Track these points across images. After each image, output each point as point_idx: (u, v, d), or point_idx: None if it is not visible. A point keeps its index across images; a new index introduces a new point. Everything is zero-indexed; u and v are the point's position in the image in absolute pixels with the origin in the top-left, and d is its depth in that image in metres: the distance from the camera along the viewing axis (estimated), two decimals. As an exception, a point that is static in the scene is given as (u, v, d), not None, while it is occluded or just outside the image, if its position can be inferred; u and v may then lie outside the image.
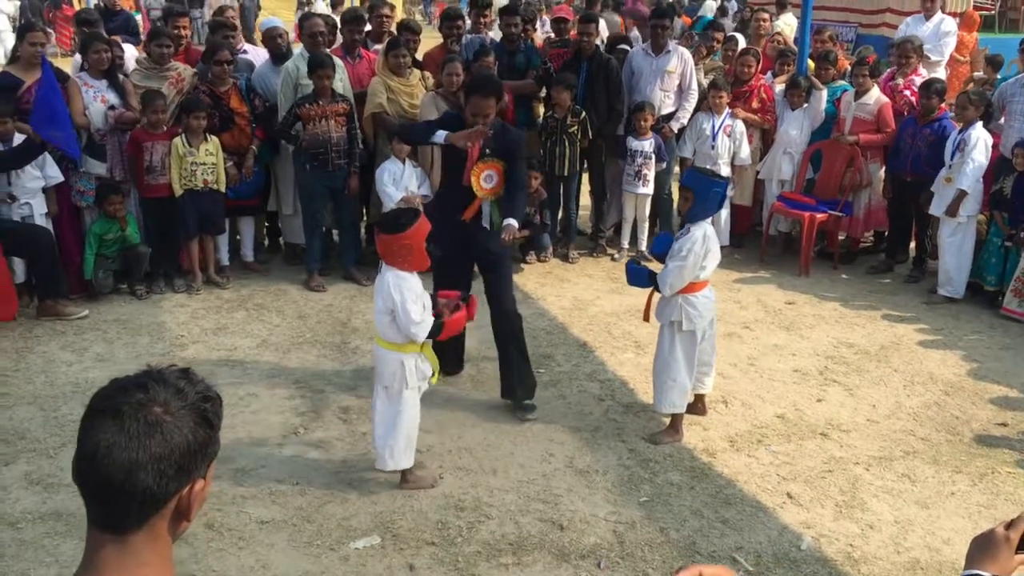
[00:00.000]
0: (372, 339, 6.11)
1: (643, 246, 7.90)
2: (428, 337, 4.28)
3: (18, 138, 6.11)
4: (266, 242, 8.04)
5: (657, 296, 4.85)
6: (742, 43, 9.14)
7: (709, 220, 4.79)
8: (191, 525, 1.40)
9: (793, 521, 4.24)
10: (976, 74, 10.95)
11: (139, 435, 1.28)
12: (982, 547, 1.69)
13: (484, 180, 5.04)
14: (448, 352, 5.37)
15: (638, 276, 4.90)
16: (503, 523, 4.17)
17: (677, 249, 4.67)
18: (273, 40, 7.49)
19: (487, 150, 5.03)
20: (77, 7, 18.52)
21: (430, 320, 4.24)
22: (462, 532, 4.10)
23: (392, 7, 8.47)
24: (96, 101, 6.57)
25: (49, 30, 17.92)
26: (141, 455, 1.28)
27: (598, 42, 8.18)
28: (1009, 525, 1.69)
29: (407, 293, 4.14)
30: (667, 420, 5.00)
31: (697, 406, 5.17)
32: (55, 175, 6.31)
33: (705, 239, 4.65)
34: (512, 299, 5.24)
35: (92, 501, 1.32)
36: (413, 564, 3.88)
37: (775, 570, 3.89)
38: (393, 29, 8.12)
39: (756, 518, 4.26)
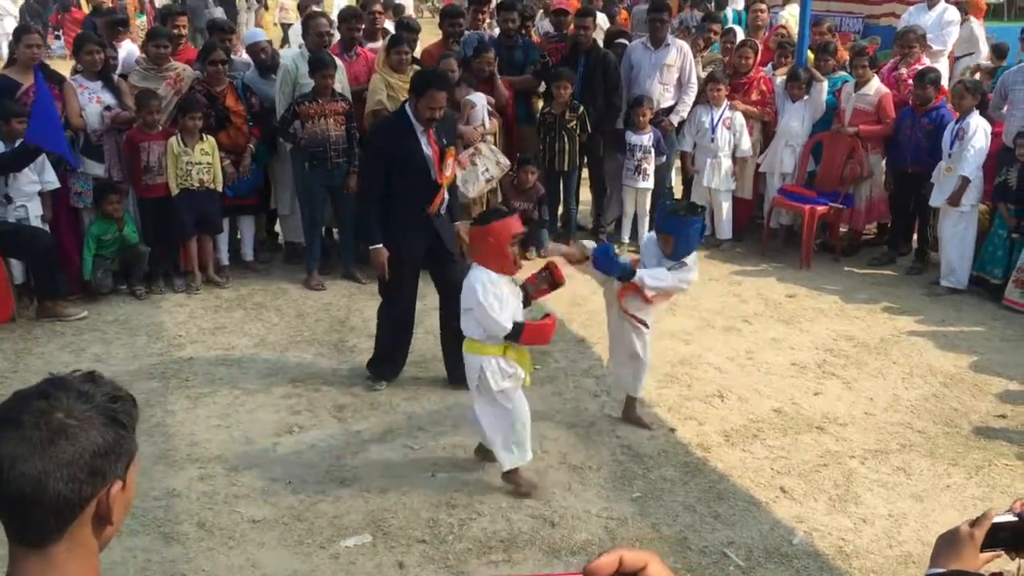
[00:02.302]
0: (369, 337, 6.15)
1: (643, 240, 7.86)
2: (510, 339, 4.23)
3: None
4: (265, 239, 8.04)
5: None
6: (740, 35, 9.08)
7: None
8: (116, 530, 1.38)
9: (786, 515, 4.22)
10: (981, 62, 10.82)
11: (43, 443, 1.26)
12: (947, 545, 1.67)
13: (447, 169, 5.23)
14: (398, 357, 5.53)
15: (610, 264, 4.59)
16: (495, 520, 4.17)
17: (680, 265, 4.66)
18: (256, 55, 7.54)
19: (443, 141, 5.17)
20: (86, 10, 18.60)
21: (508, 317, 4.19)
22: (453, 529, 4.10)
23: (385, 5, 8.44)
24: (92, 102, 6.58)
25: (58, 32, 18.10)
26: (47, 463, 1.26)
27: (596, 36, 8.15)
28: (974, 523, 1.66)
29: (489, 287, 4.16)
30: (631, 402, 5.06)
31: None
32: (51, 180, 6.32)
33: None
34: None
35: (8, 515, 1.30)
36: (403, 562, 3.87)
37: (766, 565, 3.87)
38: (387, 26, 8.10)
39: (749, 513, 4.24)
